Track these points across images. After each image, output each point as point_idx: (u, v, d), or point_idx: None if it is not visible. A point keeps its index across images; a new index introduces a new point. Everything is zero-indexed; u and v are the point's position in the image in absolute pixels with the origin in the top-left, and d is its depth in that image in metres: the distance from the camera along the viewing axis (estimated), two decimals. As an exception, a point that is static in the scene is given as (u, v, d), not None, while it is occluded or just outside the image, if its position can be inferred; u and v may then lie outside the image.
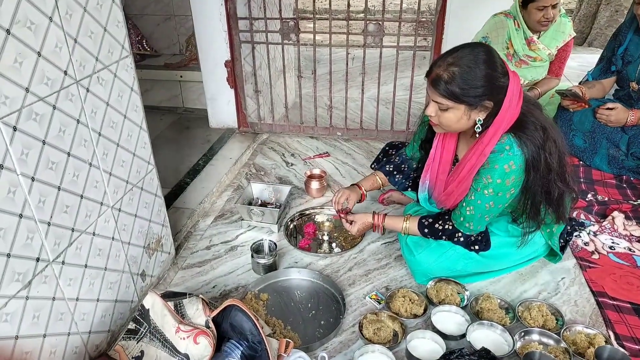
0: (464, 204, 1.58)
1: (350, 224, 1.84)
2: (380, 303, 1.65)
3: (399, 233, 1.84)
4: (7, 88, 1.03)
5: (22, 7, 1.05)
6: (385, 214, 1.81)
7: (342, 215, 1.88)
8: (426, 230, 1.68)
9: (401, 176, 1.97)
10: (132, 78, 1.50)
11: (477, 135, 1.51)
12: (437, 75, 1.43)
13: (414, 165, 1.94)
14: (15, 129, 1.06)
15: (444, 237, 1.65)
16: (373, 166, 2.17)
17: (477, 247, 1.64)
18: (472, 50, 1.42)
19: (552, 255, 1.81)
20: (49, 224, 1.18)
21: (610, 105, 2.34)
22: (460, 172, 1.60)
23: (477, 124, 1.49)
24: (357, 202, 1.96)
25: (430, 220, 1.68)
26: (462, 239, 1.63)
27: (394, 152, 2.07)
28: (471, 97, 1.42)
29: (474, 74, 1.39)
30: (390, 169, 1.98)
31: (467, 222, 1.59)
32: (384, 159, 2.05)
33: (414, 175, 1.95)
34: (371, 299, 1.67)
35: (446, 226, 1.64)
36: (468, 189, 1.58)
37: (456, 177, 1.62)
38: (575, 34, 2.68)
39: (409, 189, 2.00)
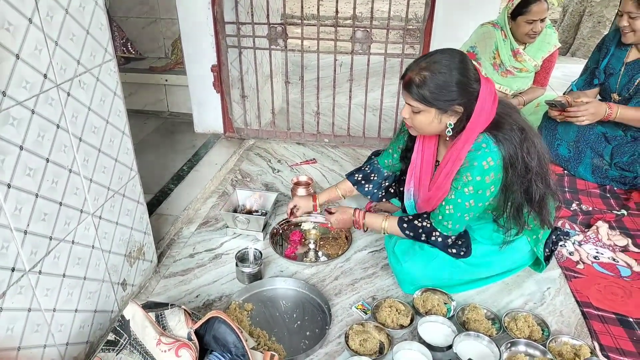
0: (444, 203, 1.59)
1: (331, 214, 1.86)
2: (366, 313, 1.63)
3: (386, 241, 1.82)
4: (-17, 91, 0.99)
5: (0, 8, 1.01)
6: (366, 212, 1.81)
7: (325, 210, 1.92)
8: (405, 225, 1.68)
9: (371, 186, 1.96)
10: (115, 82, 1.47)
11: (447, 139, 1.55)
12: (409, 79, 1.47)
13: (386, 174, 1.94)
14: (-10, 134, 1.02)
15: (422, 235, 1.65)
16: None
17: (454, 251, 1.63)
18: (445, 56, 1.46)
19: (537, 264, 1.81)
20: (25, 232, 1.14)
21: (584, 99, 2.33)
22: (438, 177, 1.61)
23: (447, 127, 1.51)
24: (308, 213, 2.03)
25: (410, 217, 1.70)
26: (439, 238, 1.63)
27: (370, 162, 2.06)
28: (441, 102, 1.45)
29: (444, 79, 1.43)
30: (359, 179, 1.97)
31: (446, 220, 1.59)
32: (355, 170, 2.03)
33: (385, 185, 1.95)
34: (357, 309, 1.65)
35: (424, 223, 1.64)
36: (447, 191, 1.59)
37: (435, 182, 1.63)
38: (560, 45, 2.72)
39: (383, 200, 2.00)
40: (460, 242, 1.63)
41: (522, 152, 1.47)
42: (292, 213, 2.01)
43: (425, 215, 1.66)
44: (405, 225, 1.69)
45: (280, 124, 3.02)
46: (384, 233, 1.76)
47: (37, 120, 1.15)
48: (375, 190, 1.96)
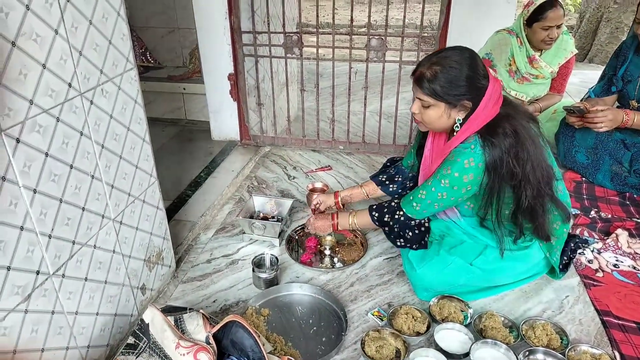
0: (419, 188, 1.65)
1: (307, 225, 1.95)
2: (382, 320, 1.63)
3: (401, 249, 1.82)
4: (11, 100, 1.03)
5: (27, 20, 1.05)
6: (337, 213, 1.90)
7: (311, 209, 2.00)
8: (374, 207, 1.77)
9: (395, 186, 2.00)
10: (136, 90, 1.50)
11: (455, 134, 1.57)
12: (420, 73, 1.52)
13: (410, 175, 1.97)
14: (18, 140, 1.05)
15: (386, 215, 1.72)
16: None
17: (410, 235, 1.71)
18: (455, 52, 1.51)
19: (554, 271, 1.79)
20: (50, 236, 1.17)
21: (600, 107, 2.31)
22: (431, 166, 1.69)
23: (456, 122, 1.55)
24: (332, 209, 2.05)
25: (378, 203, 1.79)
26: (402, 217, 1.70)
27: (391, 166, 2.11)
28: (451, 96, 1.50)
29: (455, 74, 1.48)
30: (383, 179, 2.03)
31: (415, 202, 1.66)
32: (380, 171, 2.10)
33: (409, 185, 1.98)
34: (373, 315, 1.65)
35: (392, 203, 1.73)
36: None
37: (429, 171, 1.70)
38: (576, 51, 2.70)
39: None
40: (417, 231, 1.70)
41: (510, 158, 1.47)
42: (315, 209, 2.05)
43: (396, 200, 1.73)
44: (374, 207, 1.77)
45: (295, 132, 3.05)
46: (354, 228, 1.85)
47: (61, 127, 1.19)
48: (400, 190, 2.00)
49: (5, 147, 1.02)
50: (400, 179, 2.00)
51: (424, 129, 1.67)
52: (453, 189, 1.55)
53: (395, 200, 1.74)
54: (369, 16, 2.55)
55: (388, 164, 2.16)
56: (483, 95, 1.50)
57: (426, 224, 1.74)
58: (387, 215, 1.72)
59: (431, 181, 1.60)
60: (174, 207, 2.29)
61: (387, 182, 2.01)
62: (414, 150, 1.91)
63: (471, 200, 1.63)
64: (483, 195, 1.57)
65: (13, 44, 1.02)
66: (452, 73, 1.47)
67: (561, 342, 1.52)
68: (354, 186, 2.11)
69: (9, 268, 1.05)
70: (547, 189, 1.56)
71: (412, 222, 1.71)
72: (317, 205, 2.04)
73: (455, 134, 1.57)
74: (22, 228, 1.08)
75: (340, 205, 2.05)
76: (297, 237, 2.10)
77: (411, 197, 1.67)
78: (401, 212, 1.70)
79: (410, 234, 1.71)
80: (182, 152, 2.95)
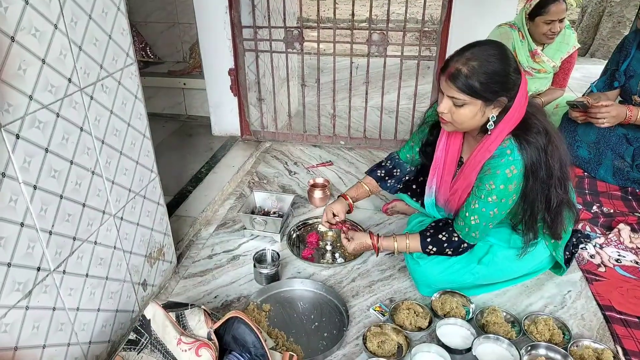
0: (468, 214, 1.55)
1: (349, 240, 1.79)
2: (384, 315, 1.63)
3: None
4: (11, 95, 1.02)
5: (26, 14, 1.04)
6: (379, 235, 1.76)
7: (344, 229, 1.84)
8: (429, 240, 1.64)
9: (393, 180, 1.95)
10: (136, 86, 1.49)
11: (489, 132, 1.49)
12: (456, 70, 1.41)
13: (407, 169, 1.93)
14: (18, 136, 1.05)
15: (448, 250, 1.62)
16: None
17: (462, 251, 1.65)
18: (488, 47, 1.43)
19: (557, 267, 1.79)
20: (50, 232, 1.17)
21: (603, 102, 2.30)
22: (464, 170, 1.59)
23: (490, 120, 1.47)
24: (347, 213, 1.93)
25: (432, 231, 1.65)
26: (467, 249, 1.62)
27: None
28: (489, 92, 1.41)
29: (492, 69, 1.39)
30: (382, 174, 1.96)
31: (473, 231, 1.57)
32: (375, 166, 2.01)
33: (406, 179, 1.95)
34: (375, 310, 1.65)
35: (453, 237, 1.60)
36: (471, 186, 1.56)
37: (460, 176, 1.61)
38: (579, 45, 2.68)
39: (399, 192, 1.99)
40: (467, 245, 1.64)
41: (547, 157, 1.45)
42: (333, 223, 1.91)
43: (449, 228, 1.62)
44: (429, 240, 1.64)
45: (296, 127, 3.04)
46: (407, 252, 1.72)
47: (61, 123, 1.18)
48: (396, 185, 1.95)
49: (5, 143, 1.01)
50: (398, 173, 1.94)
51: (451, 129, 1.54)
52: (502, 202, 1.50)
53: (453, 232, 1.61)
54: (370, 11, 2.53)
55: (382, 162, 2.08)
56: (517, 90, 1.44)
57: None
58: (449, 250, 1.62)
59: (477, 203, 1.51)
60: (175, 203, 2.29)
61: (386, 178, 1.95)
62: (416, 146, 1.86)
63: None
64: (518, 201, 1.53)
65: (12, 38, 1.01)
66: (491, 67, 1.39)
67: (563, 337, 1.51)
68: (356, 185, 1.98)
69: (9, 264, 1.05)
70: (568, 185, 1.54)
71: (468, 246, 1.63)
72: (337, 219, 1.89)
73: (489, 132, 1.49)
74: (22, 224, 1.08)
75: (353, 207, 1.96)
76: (298, 233, 2.09)
77: (467, 229, 1.56)
78: (465, 244, 1.60)
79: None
80: (182, 148, 2.94)
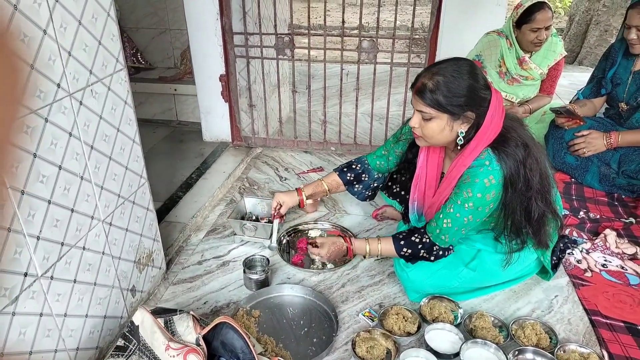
0: (441, 216, 1.58)
1: (318, 247, 1.79)
2: (373, 320, 1.63)
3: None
4: (-1, 100, 1.02)
5: (15, 19, 1.05)
6: (352, 237, 1.79)
7: (308, 244, 1.84)
8: (402, 243, 1.65)
9: (361, 186, 1.98)
10: (126, 91, 1.49)
11: (459, 148, 1.53)
12: (422, 84, 1.47)
13: (375, 175, 1.95)
14: (6, 141, 1.04)
15: (422, 252, 1.63)
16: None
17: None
18: (455, 62, 1.47)
19: (544, 272, 1.81)
20: (38, 238, 1.16)
21: (584, 132, 2.38)
22: (442, 184, 1.62)
23: (459, 135, 1.51)
24: (294, 207, 1.99)
25: (404, 234, 1.68)
26: (440, 252, 1.63)
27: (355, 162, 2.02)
28: (454, 106, 1.45)
29: (457, 84, 1.44)
30: (351, 178, 1.98)
31: (443, 234, 1.59)
32: (346, 166, 2.01)
33: (374, 186, 1.97)
34: (364, 316, 1.66)
35: (424, 239, 1.62)
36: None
37: (439, 190, 1.63)
38: (566, 53, 2.73)
39: (368, 200, 2.03)
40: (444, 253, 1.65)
41: (525, 170, 1.47)
42: (275, 213, 1.96)
43: (422, 230, 1.64)
44: (402, 242, 1.65)
45: (287, 133, 3.05)
46: (377, 256, 1.73)
47: (50, 128, 1.18)
48: (364, 191, 1.98)
49: (-8, 147, 1.01)
50: (366, 178, 1.96)
51: (423, 144, 1.59)
52: (477, 210, 1.52)
53: (424, 234, 1.62)
54: (361, 18, 2.56)
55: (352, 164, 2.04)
56: (487, 106, 1.46)
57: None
58: (422, 251, 1.63)
59: (452, 207, 1.54)
60: (165, 209, 2.28)
61: (354, 182, 1.96)
62: (391, 156, 1.86)
63: None
64: (498, 211, 1.55)
65: (0, 44, 1.01)
66: (455, 82, 1.43)
67: (550, 342, 1.53)
68: (316, 182, 2.02)
69: (-4, 270, 1.05)
70: (549, 197, 1.56)
71: (441, 251, 1.64)
72: (278, 208, 1.96)
73: (459, 147, 1.52)
74: (9, 229, 1.07)
75: (305, 203, 1.99)
76: (288, 239, 2.09)
77: (438, 230, 1.58)
78: (436, 247, 1.62)
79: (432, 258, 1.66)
80: (173, 154, 2.94)
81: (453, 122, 1.48)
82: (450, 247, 1.65)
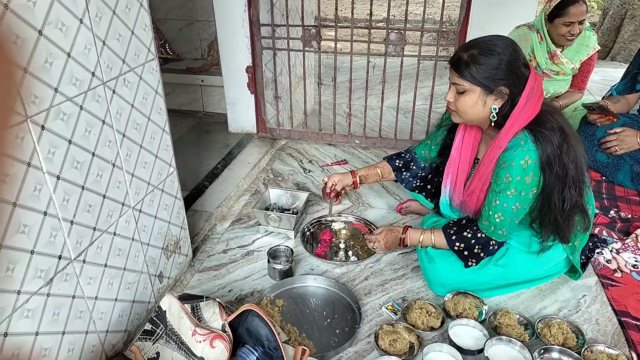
0: (491, 212, 1.55)
1: (372, 240, 1.80)
2: (396, 314, 1.63)
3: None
4: (37, 88, 1.05)
5: (54, 9, 1.07)
6: (408, 227, 1.78)
7: (363, 232, 1.88)
8: (454, 238, 1.63)
9: (408, 174, 1.98)
10: (157, 81, 1.52)
11: (493, 125, 1.52)
12: (458, 57, 1.49)
13: (422, 165, 1.96)
14: (43, 127, 1.07)
15: (477, 247, 1.60)
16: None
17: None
18: (494, 38, 1.48)
19: (573, 271, 1.77)
20: (72, 222, 1.20)
21: (617, 129, 2.31)
22: (479, 169, 1.60)
23: (492, 112, 1.49)
24: (350, 188, 2.01)
25: (455, 228, 1.65)
26: (496, 247, 1.61)
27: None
28: (487, 79, 1.44)
29: (492, 57, 1.44)
30: (399, 165, 1.99)
31: (499, 229, 1.56)
32: (395, 154, 2.04)
33: (421, 175, 1.96)
34: (387, 309, 1.66)
35: (478, 235, 1.60)
36: (487, 185, 1.57)
37: (476, 175, 1.62)
38: (599, 47, 2.65)
39: (416, 191, 2.00)
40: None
41: (562, 154, 1.44)
42: (330, 191, 1.99)
43: (474, 226, 1.61)
44: (454, 237, 1.63)
45: (312, 125, 3.05)
46: (433, 246, 1.71)
47: (84, 116, 1.21)
48: (411, 179, 1.98)
49: (30, 133, 1.04)
50: (414, 167, 1.98)
51: (458, 120, 1.59)
52: (521, 195, 1.49)
53: (477, 231, 1.60)
54: (388, 10, 2.53)
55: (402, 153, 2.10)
56: (524, 84, 1.45)
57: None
58: (477, 246, 1.60)
59: (497, 199, 1.51)
60: (191, 198, 2.32)
61: (402, 169, 1.98)
62: (433, 144, 1.87)
63: None
64: (538, 197, 1.52)
65: (40, 32, 1.04)
66: (490, 56, 1.43)
67: (577, 341, 1.50)
68: (369, 166, 2.04)
69: (32, 252, 1.08)
70: (583, 188, 1.53)
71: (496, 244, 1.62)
72: (334, 186, 1.98)
73: (492, 125, 1.51)
74: (45, 213, 1.11)
75: (358, 184, 2.00)
76: (312, 230, 2.10)
77: (492, 227, 1.56)
78: (493, 242, 1.59)
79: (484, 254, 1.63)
80: (199, 144, 2.97)
81: (486, 96, 1.47)
82: (505, 241, 1.62)
